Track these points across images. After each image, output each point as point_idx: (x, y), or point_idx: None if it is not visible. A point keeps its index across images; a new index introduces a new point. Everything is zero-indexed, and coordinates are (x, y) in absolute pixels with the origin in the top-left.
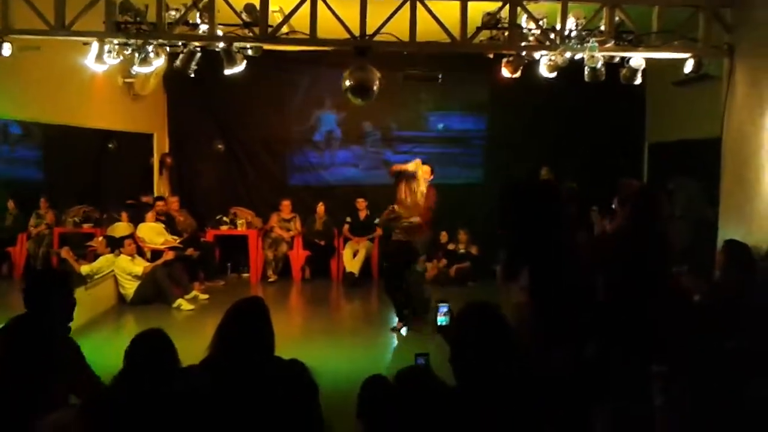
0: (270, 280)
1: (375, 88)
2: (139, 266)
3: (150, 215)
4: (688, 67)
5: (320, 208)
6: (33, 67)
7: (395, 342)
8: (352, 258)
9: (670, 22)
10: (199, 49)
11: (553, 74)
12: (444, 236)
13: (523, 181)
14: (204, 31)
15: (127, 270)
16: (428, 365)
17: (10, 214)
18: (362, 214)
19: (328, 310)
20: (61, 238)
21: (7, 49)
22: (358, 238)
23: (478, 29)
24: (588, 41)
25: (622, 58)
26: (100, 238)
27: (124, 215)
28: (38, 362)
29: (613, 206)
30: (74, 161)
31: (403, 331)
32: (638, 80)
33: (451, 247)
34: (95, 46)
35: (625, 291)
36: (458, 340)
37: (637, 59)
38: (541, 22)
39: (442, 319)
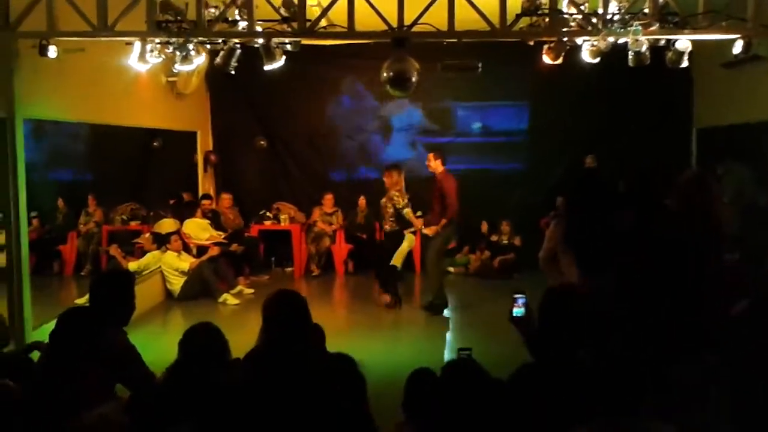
0: (313, 274)
1: (414, 79)
2: (186, 262)
3: (198, 214)
4: (737, 48)
5: (361, 201)
6: (78, 68)
7: (439, 334)
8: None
9: (717, 2)
10: (238, 45)
11: (596, 60)
12: (484, 226)
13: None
14: (243, 28)
15: (174, 266)
16: (473, 359)
17: (60, 212)
18: None
19: (372, 303)
20: (109, 235)
21: (53, 52)
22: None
23: (518, 16)
24: (631, 25)
25: (668, 41)
26: (147, 235)
27: (169, 212)
28: (85, 355)
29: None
30: (120, 160)
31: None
32: (685, 63)
33: (494, 238)
34: (137, 45)
35: (678, 278)
36: (547, 323)
37: (683, 42)
38: (582, 7)
39: (518, 311)
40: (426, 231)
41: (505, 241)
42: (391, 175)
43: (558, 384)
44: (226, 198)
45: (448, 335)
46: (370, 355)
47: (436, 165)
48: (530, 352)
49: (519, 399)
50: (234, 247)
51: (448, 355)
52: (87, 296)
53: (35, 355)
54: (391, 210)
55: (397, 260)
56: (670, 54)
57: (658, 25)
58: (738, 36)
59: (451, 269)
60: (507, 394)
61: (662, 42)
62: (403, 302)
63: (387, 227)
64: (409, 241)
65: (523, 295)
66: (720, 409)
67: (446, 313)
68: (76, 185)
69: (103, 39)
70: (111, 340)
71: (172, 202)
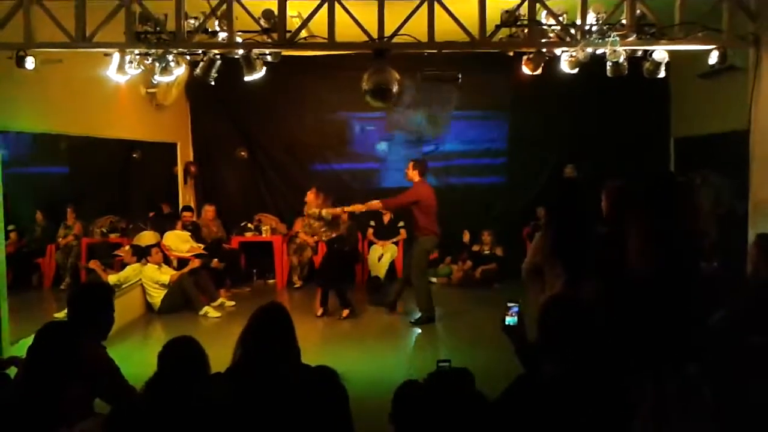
0: (296, 285)
1: (394, 90)
2: (166, 275)
3: (178, 226)
4: (713, 58)
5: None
6: (56, 79)
7: (422, 345)
8: (377, 262)
9: (693, 13)
10: (218, 56)
11: (575, 70)
12: (466, 236)
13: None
14: (223, 39)
15: (154, 279)
16: (455, 370)
17: (39, 225)
18: (386, 218)
19: (355, 314)
20: (88, 248)
21: (30, 63)
22: (382, 241)
23: (498, 27)
24: (609, 35)
25: (645, 52)
26: (127, 248)
27: (149, 225)
28: (64, 370)
29: None
30: (100, 172)
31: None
32: (662, 74)
33: (475, 248)
34: (116, 56)
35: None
36: (549, 333)
37: (660, 52)
38: (561, 18)
39: (510, 320)
40: (354, 208)
41: (487, 251)
42: (309, 194)
43: (556, 396)
44: (210, 210)
45: (432, 345)
46: (354, 367)
47: (412, 175)
48: (521, 362)
49: (516, 411)
50: (214, 263)
51: (431, 366)
52: (66, 310)
53: (12, 371)
54: (316, 225)
55: (380, 271)
56: (647, 64)
57: (635, 36)
58: (714, 47)
59: (434, 279)
60: (502, 406)
61: (640, 53)
62: (387, 312)
63: (324, 238)
64: (391, 252)
65: (517, 304)
66: (702, 420)
67: (432, 324)
68: (54, 198)
69: (81, 50)
70: (89, 354)
71: (151, 215)
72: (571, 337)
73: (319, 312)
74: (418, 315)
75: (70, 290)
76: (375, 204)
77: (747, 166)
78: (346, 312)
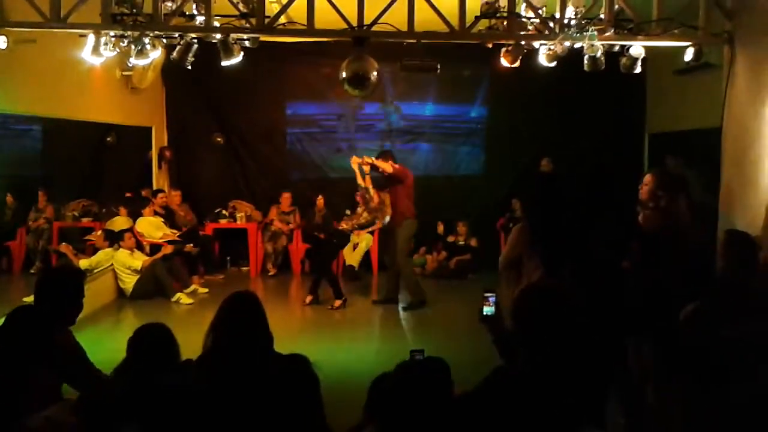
0: (270, 273)
1: (373, 78)
2: (138, 260)
3: (148, 210)
4: (689, 55)
5: (320, 201)
6: (30, 60)
7: (396, 334)
8: (352, 251)
9: (670, 9)
10: (195, 40)
11: (553, 64)
12: (440, 227)
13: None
14: (200, 23)
15: (126, 264)
16: (429, 359)
17: (9, 208)
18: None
19: (328, 303)
20: (60, 232)
21: (2, 42)
22: (357, 231)
23: (477, 18)
24: (587, 30)
25: (622, 47)
26: (99, 232)
27: (122, 210)
28: (33, 355)
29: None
30: (73, 155)
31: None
32: (638, 69)
33: (450, 239)
34: (91, 38)
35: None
36: (525, 322)
37: (637, 48)
38: (540, 11)
39: (488, 309)
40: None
41: (462, 242)
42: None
43: (533, 388)
44: (176, 195)
45: (406, 335)
46: (328, 355)
47: (388, 165)
48: (499, 352)
49: (493, 401)
50: (188, 248)
51: (405, 355)
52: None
53: None
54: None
55: (354, 260)
56: (624, 60)
57: (613, 30)
58: (689, 44)
59: None
60: (480, 396)
61: (617, 48)
62: (362, 302)
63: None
64: (366, 241)
65: (494, 294)
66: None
67: (402, 313)
68: (25, 180)
69: (55, 30)
70: (58, 340)
71: (128, 195)
72: (547, 325)
73: (308, 299)
74: (409, 301)
75: (38, 275)
76: (387, 167)
77: (719, 162)
78: (338, 303)
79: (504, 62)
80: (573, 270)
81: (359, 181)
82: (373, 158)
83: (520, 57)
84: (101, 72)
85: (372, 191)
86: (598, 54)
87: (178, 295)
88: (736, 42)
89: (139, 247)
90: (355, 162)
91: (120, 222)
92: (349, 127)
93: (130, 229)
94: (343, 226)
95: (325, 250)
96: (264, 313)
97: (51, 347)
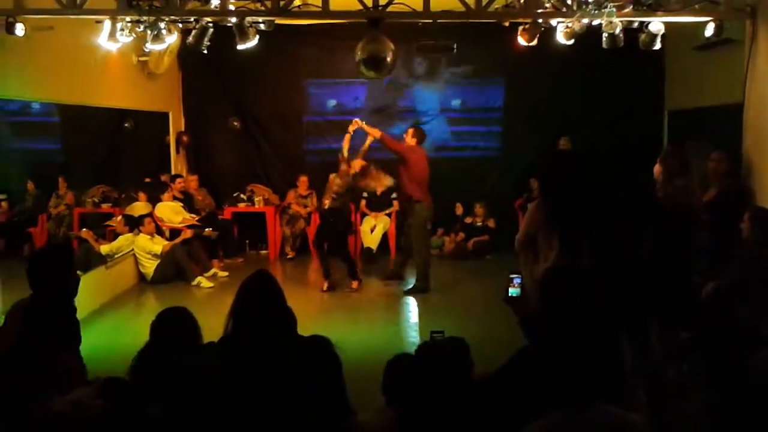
0: (288, 256)
1: (388, 60)
2: (159, 245)
3: (167, 195)
4: (709, 31)
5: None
6: (47, 47)
7: (415, 316)
8: (369, 233)
9: None
10: (211, 24)
11: (571, 41)
12: (459, 208)
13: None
14: (216, 6)
15: (147, 249)
16: (450, 339)
17: (30, 195)
18: (379, 190)
19: (347, 286)
20: (80, 218)
21: (20, 30)
22: (375, 213)
23: None
24: (606, 6)
25: (641, 24)
26: (119, 218)
27: (141, 195)
28: (52, 342)
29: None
30: (91, 141)
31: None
32: (657, 46)
33: (468, 220)
34: (107, 24)
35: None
36: (550, 302)
37: (656, 24)
38: None
39: (513, 291)
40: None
41: (480, 223)
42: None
43: (558, 367)
44: (193, 179)
45: (425, 317)
46: (347, 337)
47: (410, 141)
48: (525, 333)
49: (517, 382)
50: (208, 232)
51: (425, 336)
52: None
53: None
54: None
55: (372, 243)
56: (643, 36)
57: (631, 7)
58: (710, 19)
59: None
60: (504, 377)
61: (636, 24)
62: (381, 285)
63: (327, 202)
64: (384, 224)
65: (519, 276)
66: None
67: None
68: (46, 167)
69: (72, 17)
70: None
71: (147, 180)
72: (570, 305)
73: (325, 286)
74: (412, 284)
75: (27, 259)
76: (375, 132)
77: (741, 140)
78: (355, 284)
79: (521, 41)
80: (590, 248)
81: (344, 143)
82: (364, 122)
83: (537, 35)
84: (118, 58)
85: (345, 154)
86: (617, 31)
87: (199, 278)
88: (759, 16)
89: (159, 231)
90: (353, 126)
91: (139, 207)
92: (368, 109)
93: (150, 214)
94: (325, 202)
95: (329, 233)
96: (282, 292)
97: (65, 330)
